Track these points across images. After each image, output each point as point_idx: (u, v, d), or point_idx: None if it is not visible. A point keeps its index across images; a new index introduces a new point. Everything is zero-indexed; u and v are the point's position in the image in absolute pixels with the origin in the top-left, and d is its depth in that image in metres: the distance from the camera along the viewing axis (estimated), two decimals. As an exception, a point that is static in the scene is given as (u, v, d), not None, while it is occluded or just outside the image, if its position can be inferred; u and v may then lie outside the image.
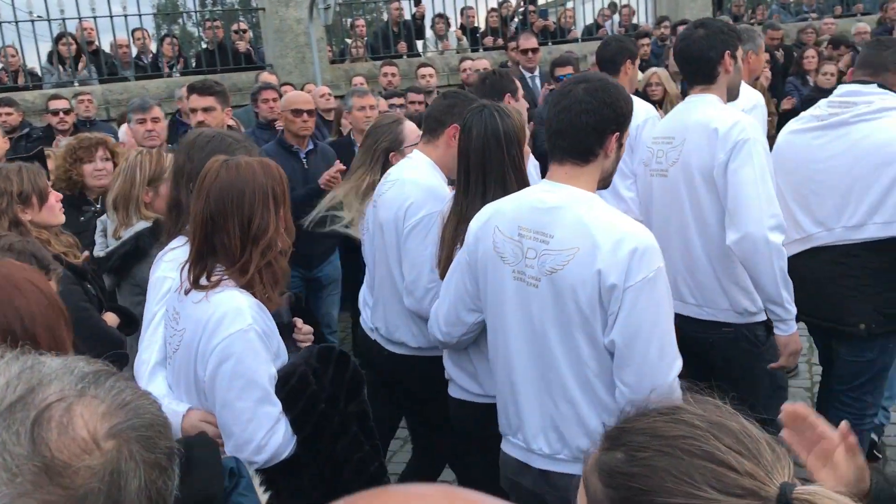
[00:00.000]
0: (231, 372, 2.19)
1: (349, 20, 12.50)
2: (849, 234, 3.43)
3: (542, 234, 2.34)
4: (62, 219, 3.46)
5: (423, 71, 8.43)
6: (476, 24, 12.06)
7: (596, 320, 2.24)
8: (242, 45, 10.33)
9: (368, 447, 2.51)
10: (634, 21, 12.36)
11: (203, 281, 2.28)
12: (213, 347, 2.20)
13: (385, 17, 12.47)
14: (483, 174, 2.82)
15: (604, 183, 2.47)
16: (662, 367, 2.23)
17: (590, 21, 13.33)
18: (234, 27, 10.72)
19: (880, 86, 3.45)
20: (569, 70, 6.43)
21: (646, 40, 8.71)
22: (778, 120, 7.46)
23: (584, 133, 2.34)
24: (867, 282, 3.40)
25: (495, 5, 11.91)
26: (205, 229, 2.27)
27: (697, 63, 3.24)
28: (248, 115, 6.94)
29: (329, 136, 6.60)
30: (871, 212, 3.37)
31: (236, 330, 2.18)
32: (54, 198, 3.39)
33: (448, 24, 11.86)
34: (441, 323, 2.78)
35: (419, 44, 11.90)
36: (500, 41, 11.20)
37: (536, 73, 7.91)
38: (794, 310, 3.08)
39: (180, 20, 27.22)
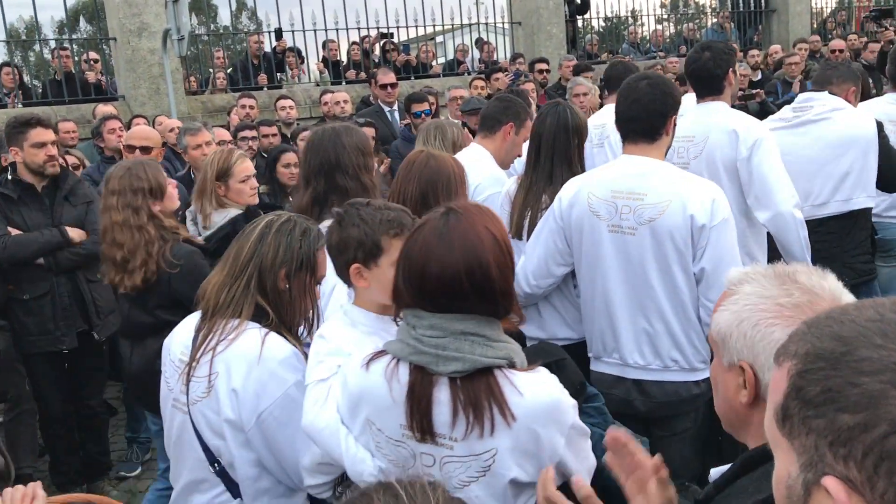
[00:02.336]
0: None
1: (212, 49, 12.24)
2: (815, 210, 4.26)
3: (635, 194, 3.02)
4: (178, 203, 3.95)
5: (282, 103, 8.31)
6: (339, 58, 12.06)
7: (689, 254, 2.95)
8: (92, 76, 9.89)
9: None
10: (495, 58, 12.70)
11: None
12: None
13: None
14: (552, 155, 3.57)
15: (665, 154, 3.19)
16: None
17: (451, 57, 13.61)
18: (84, 57, 10.26)
19: (829, 93, 4.43)
20: (425, 106, 6.50)
21: (500, 74, 8.95)
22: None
23: (653, 117, 3.07)
24: (834, 244, 4.24)
25: (357, 39, 11.94)
26: (415, 207, 2.68)
27: (708, 80, 3.87)
28: (90, 150, 6.62)
29: (182, 170, 6.38)
30: (833, 191, 4.25)
31: None
32: (172, 186, 3.81)
33: (301, 58, 11.79)
34: (530, 278, 3.38)
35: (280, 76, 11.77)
36: (363, 75, 11.24)
37: (395, 107, 7.96)
38: None
39: (36, 47, 25.87)
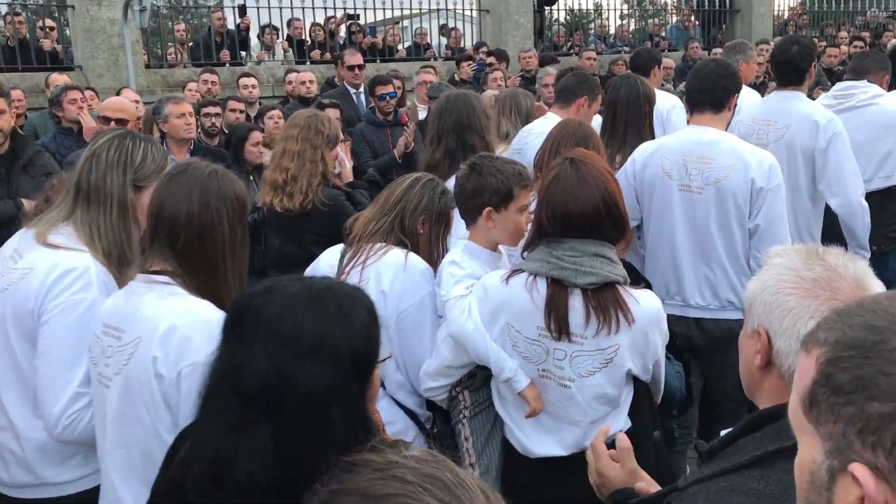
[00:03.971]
0: None
1: (173, 23, 11.98)
2: None
3: (704, 158, 3.50)
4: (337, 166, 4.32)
5: (244, 81, 8.05)
6: (303, 37, 11.89)
7: (746, 212, 3.43)
8: (47, 44, 9.59)
9: None
10: (462, 45, 12.64)
11: None
12: None
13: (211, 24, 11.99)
14: (626, 121, 4.12)
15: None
16: (787, 239, 3.46)
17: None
18: (39, 24, 9.94)
19: (867, 81, 4.84)
20: (389, 89, 6.42)
21: (465, 64, 8.91)
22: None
23: (719, 91, 3.58)
24: (873, 215, 4.46)
25: (322, 19, 11.77)
26: None
27: (793, 71, 4.23)
28: (45, 120, 6.41)
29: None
30: (877, 169, 4.66)
31: None
32: (340, 147, 4.25)
33: (276, 35, 11.60)
34: None
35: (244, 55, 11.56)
36: (328, 55, 11.09)
37: (361, 89, 7.84)
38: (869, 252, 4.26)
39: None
